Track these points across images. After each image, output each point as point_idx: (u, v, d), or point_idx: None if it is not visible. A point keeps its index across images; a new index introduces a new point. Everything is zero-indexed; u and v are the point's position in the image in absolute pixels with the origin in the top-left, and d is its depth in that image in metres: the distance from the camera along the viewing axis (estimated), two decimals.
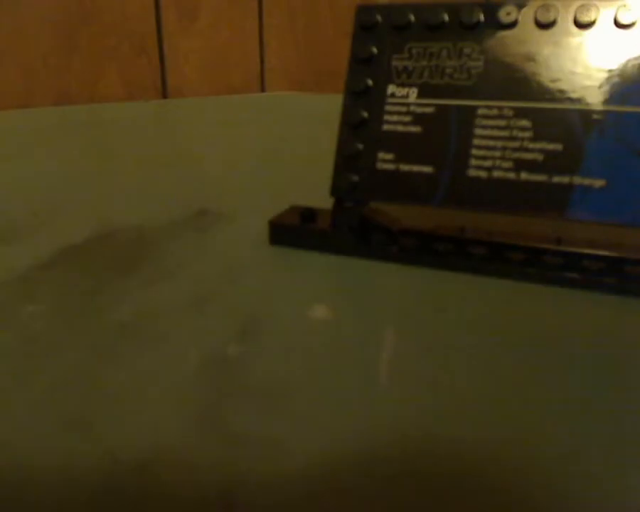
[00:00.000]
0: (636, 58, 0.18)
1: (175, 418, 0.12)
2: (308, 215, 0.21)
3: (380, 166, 0.20)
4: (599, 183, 0.18)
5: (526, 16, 0.19)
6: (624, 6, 0.19)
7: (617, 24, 0.18)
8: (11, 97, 0.60)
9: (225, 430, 0.12)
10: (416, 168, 0.20)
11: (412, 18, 0.20)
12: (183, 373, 0.14)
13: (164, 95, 0.70)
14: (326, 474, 0.11)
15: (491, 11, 0.19)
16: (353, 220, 0.21)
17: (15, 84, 0.60)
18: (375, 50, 0.21)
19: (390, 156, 0.20)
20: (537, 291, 0.19)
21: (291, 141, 0.45)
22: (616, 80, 0.18)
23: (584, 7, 0.19)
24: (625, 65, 0.18)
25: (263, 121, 0.56)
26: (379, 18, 0.21)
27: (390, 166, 0.20)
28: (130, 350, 0.15)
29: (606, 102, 0.18)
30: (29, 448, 0.11)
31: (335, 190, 0.21)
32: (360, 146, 0.21)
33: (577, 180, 0.18)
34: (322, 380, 0.14)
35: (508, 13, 0.19)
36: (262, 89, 0.81)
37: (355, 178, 0.21)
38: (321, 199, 0.22)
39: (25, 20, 0.60)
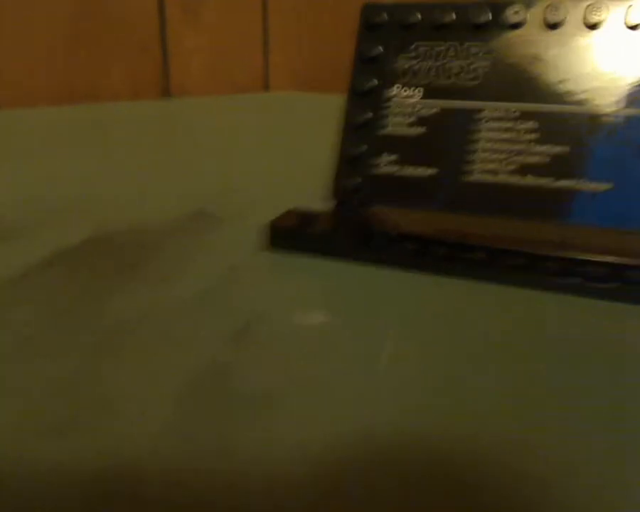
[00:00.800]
0: None
1: (166, 424, 0.12)
2: (307, 218, 0.21)
3: (383, 168, 0.20)
4: (605, 187, 0.18)
5: (534, 16, 0.19)
6: (634, 6, 0.18)
7: (627, 25, 0.18)
8: (14, 96, 0.60)
9: (217, 437, 0.11)
10: (419, 170, 0.20)
11: (419, 17, 0.20)
12: (174, 380, 0.13)
13: (168, 93, 0.69)
14: (319, 483, 0.10)
15: (499, 11, 0.19)
16: (353, 224, 0.20)
17: (19, 82, 0.60)
18: (380, 49, 0.20)
19: (393, 158, 0.20)
20: (538, 297, 0.18)
21: (294, 141, 0.44)
22: (624, 81, 0.18)
23: (593, 6, 0.18)
24: (634, 67, 0.18)
25: (266, 122, 0.56)
26: (385, 16, 0.20)
27: (393, 169, 0.20)
28: (121, 355, 0.15)
29: (614, 104, 0.18)
30: (17, 454, 0.11)
31: (336, 193, 0.20)
32: (363, 148, 0.20)
33: (583, 184, 0.18)
34: (317, 386, 0.13)
35: (516, 13, 0.19)
36: (266, 88, 0.80)
37: (357, 180, 0.20)
38: (323, 201, 0.21)
39: (28, 17, 0.59)
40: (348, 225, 0.20)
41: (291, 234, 0.21)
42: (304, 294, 0.18)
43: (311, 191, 0.22)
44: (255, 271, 0.20)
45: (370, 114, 0.20)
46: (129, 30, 0.65)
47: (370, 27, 0.20)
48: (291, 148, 0.42)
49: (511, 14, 0.19)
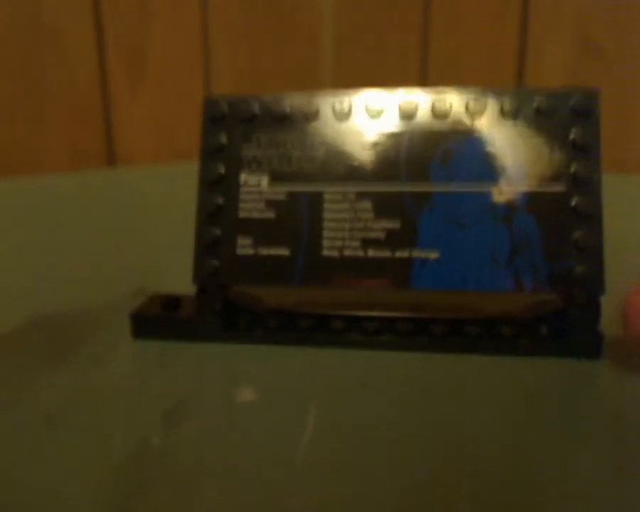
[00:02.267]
0: (451, 144, 0.20)
1: None
2: (170, 303, 0.22)
3: (240, 251, 0.21)
4: (433, 255, 0.20)
5: (357, 107, 0.21)
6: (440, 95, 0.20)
7: (434, 113, 0.20)
8: None
9: None
10: (273, 251, 0.21)
11: (258, 109, 0.21)
12: None
13: (112, 163, 0.69)
14: None
15: (328, 103, 0.21)
16: (216, 306, 0.21)
17: None
18: (225, 140, 0.21)
19: (248, 241, 0.21)
20: (393, 357, 0.20)
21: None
22: (438, 163, 0.20)
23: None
24: (445, 150, 0.20)
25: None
26: (227, 109, 0.21)
27: (249, 251, 0.21)
28: None
29: (433, 183, 0.20)
30: None
31: (197, 277, 0.21)
32: (219, 232, 0.21)
33: (415, 253, 0.20)
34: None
35: (341, 105, 0.21)
36: None
37: (216, 263, 0.21)
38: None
39: None
40: (212, 308, 0.21)
41: (155, 322, 0.22)
42: (161, 386, 0.19)
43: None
44: (117, 365, 0.20)
45: (221, 201, 0.21)
46: (71, 98, 0.65)
47: (213, 120, 0.22)
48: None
49: (337, 106, 0.21)
